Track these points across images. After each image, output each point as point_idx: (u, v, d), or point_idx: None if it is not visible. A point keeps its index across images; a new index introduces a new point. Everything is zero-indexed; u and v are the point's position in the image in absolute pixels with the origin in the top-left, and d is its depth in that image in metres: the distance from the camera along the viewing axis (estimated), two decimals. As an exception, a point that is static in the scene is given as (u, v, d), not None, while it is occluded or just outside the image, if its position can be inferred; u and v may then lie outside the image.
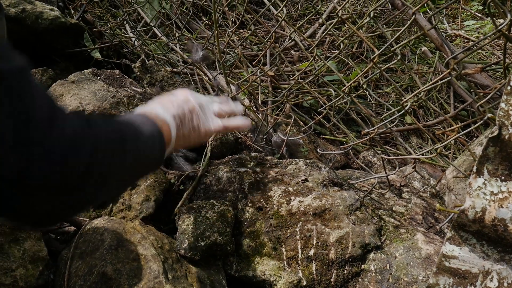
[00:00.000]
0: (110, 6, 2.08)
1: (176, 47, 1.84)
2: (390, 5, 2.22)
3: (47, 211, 0.57)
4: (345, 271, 0.96)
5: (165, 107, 0.90)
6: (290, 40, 1.31)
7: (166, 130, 0.85)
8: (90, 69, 1.36)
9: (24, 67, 0.52)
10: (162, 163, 0.83)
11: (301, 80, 1.34)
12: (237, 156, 1.24)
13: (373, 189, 1.10)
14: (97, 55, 1.66)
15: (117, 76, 1.36)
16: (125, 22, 1.89)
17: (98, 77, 1.33)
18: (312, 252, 0.96)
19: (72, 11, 1.82)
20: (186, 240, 0.99)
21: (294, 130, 1.43)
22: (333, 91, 1.32)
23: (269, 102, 1.56)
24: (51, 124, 0.52)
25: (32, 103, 0.51)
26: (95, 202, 0.70)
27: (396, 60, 0.90)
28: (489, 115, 0.74)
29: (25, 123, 0.49)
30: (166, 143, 0.83)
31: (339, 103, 1.16)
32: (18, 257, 0.92)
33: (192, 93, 0.96)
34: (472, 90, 1.73)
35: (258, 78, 1.52)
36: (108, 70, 1.38)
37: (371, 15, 0.94)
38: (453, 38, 2.32)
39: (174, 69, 1.71)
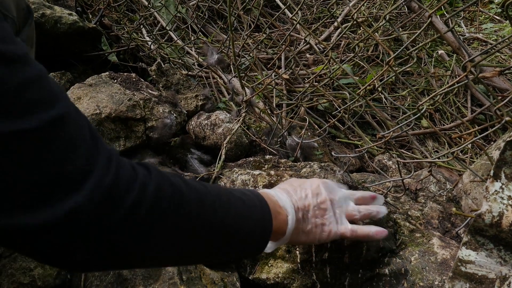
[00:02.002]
0: (127, 11, 2.11)
1: (192, 50, 1.85)
2: (406, 8, 2.21)
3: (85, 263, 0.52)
4: (360, 275, 0.95)
5: (290, 195, 0.80)
6: (305, 43, 1.31)
7: (282, 220, 0.75)
8: (107, 73, 1.38)
9: (62, 116, 0.48)
10: (258, 253, 0.75)
11: (316, 83, 1.34)
12: (251, 159, 1.24)
13: (388, 192, 1.09)
14: (114, 58, 1.68)
15: (134, 79, 1.38)
16: (141, 26, 1.91)
17: (115, 80, 1.35)
18: (326, 255, 0.96)
19: (90, 16, 1.85)
20: (201, 242, 0.99)
21: (309, 133, 1.43)
22: (348, 94, 1.32)
23: (284, 105, 1.56)
24: (82, 178, 0.48)
25: (64, 157, 0.48)
26: (146, 263, 0.61)
27: (412, 63, 0.89)
28: (507, 118, 0.73)
29: (51, 179, 0.46)
30: (271, 233, 0.72)
31: (354, 106, 1.16)
32: (36, 256, 0.94)
33: (327, 184, 0.85)
34: (489, 94, 1.71)
35: (273, 81, 1.52)
36: (125, 74, 1.40)
37: (387, 18, 0.94)
38: (471, 41, 2.29)
39: (189, 72, 1.73)
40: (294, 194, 0.81)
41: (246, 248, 0.71)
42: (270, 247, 0.80)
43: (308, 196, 0.81)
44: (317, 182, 0.84)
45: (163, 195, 0.55)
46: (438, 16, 1.91)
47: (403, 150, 1.52)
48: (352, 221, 0.86)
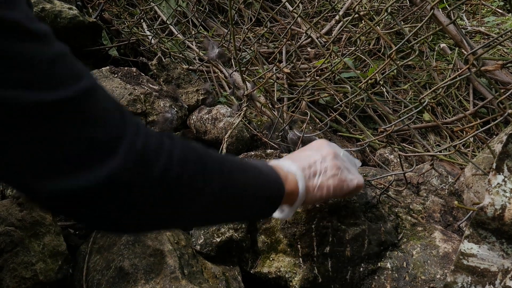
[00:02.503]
0: (127, 5, 2.10)
1: (192, 44, 1.85)
2: (408, 1, 2.19)
3: (124, 220, 0.56)
4: (361, 269, 0.95)
5: (293, 158, 0.84)
6: (306, 37, 1.31)
7: (291, 182, 0.78)
8: (107, 67, 1.37)
9: (92, 88, 0.52)
10: (270, 214, 0.78)
11: (317, 77, 1.33)
12: (252, 153, 1.24)
13: (390, 186, 1.09)
14: (114, 53, 1.68)
15: (134, 74, 1.38)
16: (142, 21, 1.90)
17: (116, 75, 1.34)
18: (328, 249, 0.96)
19: (90, 10, 1.84)
20: (202, 236, 0.99)
21: (310, 127, 1.42)
22: (349, 88, 1.31)
23: (285, 99, 1.56)
24: (116, 145, 0.51)
25: (98, 124, 0.51)
26: (173, 225, 0.68)
27: (413, 56, 0.89)
28: (510, 111, 0.73)
29: (88, 145, 0.50)
30: (285, 193, 0.75)
31: (355, 100, 1.15)
32: (38, 251, 0.94)
33: (328, 142, 0.90)
34: (492, 87, 1.70)
35: (274, 75, 1.51)
36: (125, 68, 1.40)
37: (389, 11, 0.93)
38: (473, 34, 2.28)
39: (190, 67, 1.72)
40: (296, 158, 0.84)
41: (263, 205, 0.74)
42: (287, 212, 0.83)
43: (311, 154, 0.84)
44: (317, 142, 0.89)
45: (188, 159, 0.59)
46: (440, 9, 1.90)
47: (404, 144, 1.52)
48: None
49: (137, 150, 0.52)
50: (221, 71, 1.69)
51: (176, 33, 1.81)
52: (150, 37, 1.79)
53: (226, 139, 1.26)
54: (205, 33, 1.98)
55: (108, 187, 0.50)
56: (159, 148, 0.56)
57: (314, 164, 0.83)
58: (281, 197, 0.75)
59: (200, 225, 0.78)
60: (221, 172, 0.65)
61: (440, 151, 1.26)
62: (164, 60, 1.55)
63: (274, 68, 1.32)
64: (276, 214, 0.83)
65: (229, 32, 1.35)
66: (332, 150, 0.85)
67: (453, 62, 1.87)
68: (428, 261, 0.92)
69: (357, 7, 0.96)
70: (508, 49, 2.01)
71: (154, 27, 1.81)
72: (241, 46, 1.59)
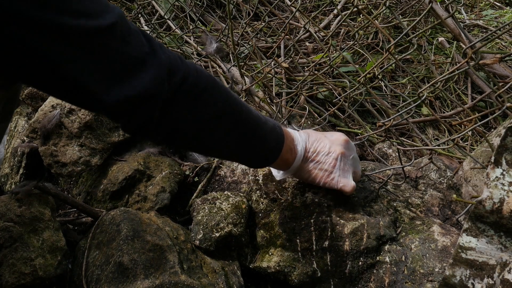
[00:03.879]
0: (124, 0, 2.09)
1: (190, 39, 1.84)
2: (406, -5, 2.18)
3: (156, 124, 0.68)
4: (360, 263, 0.95)
5: (308, 138, 0.93)
6: (304, 31, 1.30)
7: (291, 154, 0.89)
8: (105, 62, 1.37)
9: (123, 15, 0.64)
10: (271, 159, 0.88)
11: (316, 72, 1.33)
12: (251, 148, 1.24)
13: (389, 180, 1.09)
14: (112, 48, 1.67)
15: (132, 69, 1.37)
16: (139, 15, 1.89)
17: (114, 70, 1.34)
18: (326, 243, 0.96)
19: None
20: (201, 231, 1.00)
21: (309, 122, 1.42)
22: (348, 82, 1.31)
23: (284, 93, 1.55)
24: (148, 58, 0.65)
25: (133, 43, 0.64)
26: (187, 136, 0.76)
27: (412, 50, 0.89)
28: (508, 104, 0.73)
29: (131, 60, 0.63)
30: (280, 156, 0.86)
31: (354, 94, 1.15)
32: (37, 247, 0.94)
33: (347, 141, 0.96)
34: (490, 80, 1.70)
35: (273, 70, 1.51)
36: (123, 63, 1.39)
37: (387, 5, 0.93)
38: (471, 28, 2.27)
39: (188, 62, 1.71)
40: (311, 138, 0.93)
41: (262, 148, 0.84)
42: (280, 175, 0.97)
43: (323, 143, 0.93)
44: (338, 135, 0.96)
45: (202, 75, 0.72)
46: (438, 3, 1.90)
47: (403, 138, 1.52)
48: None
49: (164, 62, 0.66)
50: (219, 66, 1.68)
51: (174, 27, 1.80)
52: (148, 32, 1.78)
53: (224, 134, 1.26)
54: (203, 27, 1.97)
55: (150, 90, 0.63)
56: (178, 62, 0.69)
57: (319, 152, 0.92)
58: (280, 145, 0.85)
59: (203, 140, 0.81)
60: (229, 94, 0.77)
61: (438, 145, 1.26)
62: (162, 55, 1.54)
63: (273, 62, 1.32)
64: (274, 171, 0.99)
65: (227, 27, 1.34)
66: (342, 150, 0.93)
67: (451, 56, 1.86)
68: (427, 255, 0.92)
69: (355, 1, 0.95)
70: (506, 42, 2.01)
71: (152, 22, 1.81)
72: (239, 41, 1.58)
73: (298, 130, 0.96)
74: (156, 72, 0.64)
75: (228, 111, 0.76)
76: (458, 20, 2.15)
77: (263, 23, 1.55)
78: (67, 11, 0.56)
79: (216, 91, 0.74)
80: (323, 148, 0.92)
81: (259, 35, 1.95)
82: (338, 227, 0.96)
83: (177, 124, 0.71)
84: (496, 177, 0.70)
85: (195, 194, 1.15)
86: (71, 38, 0.57)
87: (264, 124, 0.83)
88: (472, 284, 0.74)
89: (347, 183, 0.94)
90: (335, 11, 2.07)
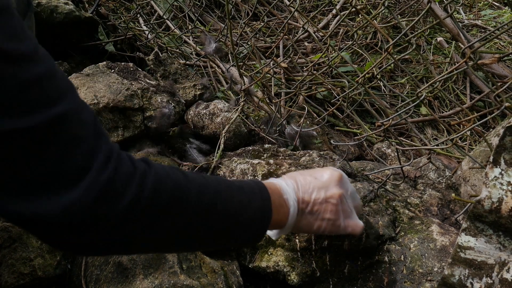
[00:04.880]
0: (123, 0, 2.09)
1: (189, 39, 1.84)
2: (405, -5, 2.19)
3: (86, 247, 0.56)
4: (359, 262, 0.95)
5: (296, 186, 0.80)
6: (303, 32, 1.30)
7: (283, 212, 0.76)
8: (104, 62, 1.37)
9: (65, 114, 0.51)
10: (258, 241, 0.77)
11: (315, 72, 1.33)
12: (250, 148, 1.24)
13: (388, 180, 1.09)
14: (111, 48, 1.67)
15: (131, 69, 1.37)
16: (138, 15, 1.89)
17: (113, 70, 1.34)
18: (326, 243, 0.96)
19: (86, 5, 1.83)
20: (200, 231, 1.00)
21: (308, 122, 1.42)
22: (347, 82, 1.31)
23: (282, 93, 1.56)
24: (79, 177, 0.51)
25: (64, 154, 0.50)
26: (143, 250, 0.68)
27: (410, 50, 0.89)
28: (506, 104, 0.73)
29: (51, 174, 0.50)
30: (270, 220, 0.73)
31: (353, 94, 1.15)
32: (36, 247, 0.94)
33: (341, 177, 0.83)
34: (489, 80, 1.70)
35: (271, 70, 1.51)
36: (122, 63, 1.40)
37: (386, 5, 0.93)
38: (470, 28, 2.28)
39: (187, 62, 1.72)
40: (301, 185, 0.80)
41: (246, 236, 0.72)
42: (274, 234, 0.83)
43: (318, 189, 0.80)
44: (330, 174, 0.83)
45: (162, 189, 0.57)
46: (437, 3, 1.90)
47: (402, 138, 1.52)
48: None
49: (101, 182, 0.51)
50: (218, 66, 1.68)
51: (173, 28, 1.80)
52: (146, 32, 1.79)
53: (223, 134, 1.26)
54: (202, 27, 1.97)
55: (64, 218, 0.50)
56: (130, 178, 0.54)
57: (315, 202, 0.79)
58: (266, 224, 0.73)
59: (174, 251, 0.77)
60: (200, 199, 0.62)
61: (437, 145, 1.26)
62: (161, 55, 1.55)
63: (272, 62, 1.32)
64: (269, 233, 0.84)
65: (226, 27, 1.35)
66: (340, 191, 0.81)
67: (450, 56, 1.87)
68: (426, 254, 0.92)
69: (354, 1, 0.96)
70: (505, 42, 2.02)
71: (151, 22, 1.81)
72: (238, 41, 1.59)
73: (281, 177, 0.84)
74: (75, 197, 0.50)
75: (202, 219, 0.63)
76: (457, 20, 2.16)
77: (262, 23, 1.55)
78: None
79: (184, 203, 0.60)
80: (318, 197, 0.79)
81: (258, 35, 1.96)
82: (337, 226, 0.96)
83: (136, 244, 0.59)
84: (495, 176, 0.70)
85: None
86: None
87: (247, 207, 0.70)
88: (471, 283, 0.74)
89: (355, 224, 0.83)
90: (334, 11, 2.08)
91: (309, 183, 0.80)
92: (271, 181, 0.79)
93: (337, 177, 0.82)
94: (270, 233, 0.84)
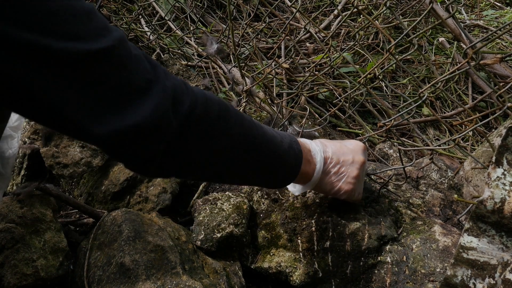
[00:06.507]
0: (125, 1, 2.10)
1: (191, 40, 1.84)
2: (406, -5, 2.19)
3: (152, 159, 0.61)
4: (361, 263, 0.95)
5: (323, 146, 0.87)
6: (305, 32, 1.30)
7: (310, 167, 0.83)
8: (106, 63, 1.37)
9: (122, 39, 0.57)
10: (290, 179, 0.83)
11: (316, 72, 1.33)
12: (252, 149, 1.24)
13: (390, 181, 1.09)
14: (113, 49, 1.67)
15: (133, 70, 1.37)
16: (140, 17, 1.90)
17: (115, 71, 1.34)
18: (328, 243, 0.96)
19: (88, 6, 1.83)
20: (202, 232, 1.00)
21: (309, 123, 1.42)
22: (348, 83, 1.31)
23: (284, 94, 1.56)
24: (151, 86, 0.58)
25: (134, 69, 0.57)
26: (198, 171, 0.71)
27: (412, 51, 0.89)
28: (509, 104, 0.73)
29: (129, 87, 0.56)
30: (299, 174, 0.80)
31: (354, 94, 1.15)
32: (39, 248, 0.94)
33: (366, 148, 0.92)
34: (491, 80, 1.70)
35: (273, 71, 1.51)
36: (124, 64, 1.39)
37: (387, 5, 0.93)
38: (472, 28, 2.27)
39: (189, 63, 1.72)
40: (331, 148, 0.87)
41: (277, 174, 0.79)
42: (297, 189, 0.91)
43: (346, 153, 0.87)
44: (355, 143, 0.91)
45: (210, 105, 0.65)
46: (438, 3, 1.90)
47: (404, 138, 1.52)
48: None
49: (168, 90, 0.59)
50: (220, 67, 1.69)
51: (175, 29, 1.81)
52: (148, 33, 1.79)
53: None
54: (204, 28, 1.97)
55: (152, 121, 0.56)
56: (185, 90, 0.62)
57: (342, 163, 0.86)
58: (299, 163, 0.80)
59: (218, 170, 0.76)
60: (241, 121, 0.70)
61: (439, 145, 1.26)
62: (162, 56, 1.55)
63: (273, 63, 1.32)
64: (290, 187, 0.92)
65: (227, 28, 1.35)
66: (364, 159, 0.89)
67: (452, 56, 1.87)
68: (428, 255, 0.92)
69: (355, 1, 0.95)
70: (507, 42, 2.01)
71: (153, 23, 1.81)
72: (240, 42, 1.59)
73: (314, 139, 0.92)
74: (158, 101, 0.57)
75: (243, 138, 0.70)
76: (459, 20, 2.15)
77: (264, 24, 1.55)
78: (52, 32, 0.49)
79: (229, 118, 0.68)
80: (346, 158, 0.87)
81: (259, 35, 1.96)
82: (339, 227, 0.96)
83: (189, 158, 0.65)
84: (497, 177, 0.70)
85: (196, 195, 1.15)
86: (53, 63, 0.50)
87: (280, 143, 0.77)
88: (474, 284, 0.74)
89: (361, 193, 0.93)
90: (336, 12, 2.08)
91: (338, 148, 0.88)
92: (301, 140, 0.85)
93: (363, 147, 0.91)
94: (293, 189, 0.91)
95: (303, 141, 0.85)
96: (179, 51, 1.78)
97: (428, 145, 1.36)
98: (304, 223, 0.99)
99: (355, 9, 0.97)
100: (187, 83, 0.65)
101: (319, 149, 0.85)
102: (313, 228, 0.98)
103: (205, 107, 0.64)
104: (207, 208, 1.03)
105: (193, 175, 0.74)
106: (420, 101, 0.87)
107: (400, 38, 0.89)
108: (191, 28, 1.82)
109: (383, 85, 1.73)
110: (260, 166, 0.75)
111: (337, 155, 0.87)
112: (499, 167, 0.70)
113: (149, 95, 0.57)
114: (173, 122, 0.59)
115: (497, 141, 1.00)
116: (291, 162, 0.79)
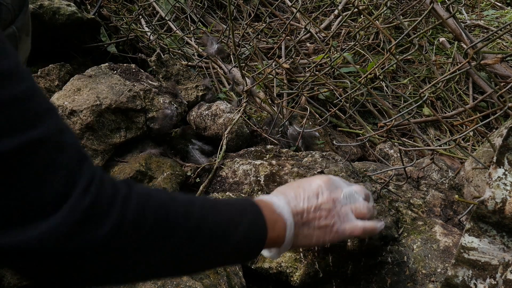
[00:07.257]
0: (125, 1, 2.10)
1: (191, 40, 1.84)
2: (407, -5, 2.19)
3: (57, 281, 0.52)
4: (362, 263, 0.95)
5: (288, 198, 0.76)
6: (305, 32, 1.30)
7: (279, 227, 0.72)
8: (106, 64, 1.37)
9: (45, 135, 0.47)
10: (253, 258, 0.77)
11: (317, 72, 1.33)
12: (252, 149, 1.24)
13: (390, 181, 1.09)
14: (113, 49, 1.67)
15: (133, 70, 1.37)
16: (140, 17, 1.90)
17: (115, 71, 1.34)
18: (328, 244, 0.96)
19: (89, 7, 1.84)
20: (203, 232, 0.99)
21: (310, 123, 1.42)
22: (349, 83, 1.31)
23: (285, 94, 1.56)
24: (59, 203, 0.47)
25: (44, 180, 0.47)
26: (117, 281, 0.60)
27: (413, 51, 0.88)
28: (510, 104, 0.73)
29: (32, 203, 0.46)
30: (267, 240, 0.69)
31: (355, 94, 1.15)
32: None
33: (329, 181, 0.80)
34: (492, 80, 1.70)
35: (274, 71, 1.51)
36: (124, 64, 1.40)
37: (388, 5, 0.93)
38: (472, 28, 2.27)
39: (189, 63, 1.72)
40: (292, 198, 0.77)
41: (240, 254, 0.69)
42: (274, 254, 0.79)
43: (308, 198, 0.77)
44: (317, 182, 0.80)
45: (146, 210, 0.54)
46: (439, 3, 1.90)
47: (404, 139, 1.52)
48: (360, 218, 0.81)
49: (81, 208, 0.48)
50: (220, 67, 1.69)
51: (175, 29, 1.81)
52: (148, 34, 1.79)
53: (226, 135, 1.26)
54: (204, 29, 1.97)
55: (42, 246, 0.46)
56: (112, 201, 0.51)
57: (309, 209, 0.76)
58: (263, 240, 0.69)
59: (165, 277, 0.71)
60: (187, 219, 0.59)
61: (440, 145, 1.26)
62: (163, 56, 1.55)
63: (274, 63, 1.32)
64: (265, 253, 0.79)
65: (228, 28, 1.35)
66: (330, 195, 0.78)
67: (452, 56, 1.86)
68: (429, 255, 0.92)
69: (356, 1, 0.95)
70: (507, 42, 2.01)
71: (153, 23, 1.81)
72: (240, 42, 1.59)
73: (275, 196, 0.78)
74: (55, 224, 0.46)
75: (190, 237, 0.59)
76: (459, 20, 2.15)
77: (264, 24, 1.55)
78: None
79: (169, 225, 0.57)
80: (310, 205, 0.76)
81: (260, 36, 1.96)
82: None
83: (111, 274, 0.55)
84: (498, 177, 0.70)
85: (196, 195, 1.15)
86: None
87: (239, 223, 0.66)
88: (475, 284, 0.74)
89: (353, 226, 0.78)
90: (336, 12, 2.08)
91: (299, 194, 0.77)
92: (260, 198, 0.75)
93: (326, 182, 0.79)
94: (269, 254, 0.79)
95: (261, 199, 0.75)
96: (180, 51, 1.78)
97: (429, 145, 1.36)
98: (305, 223, 0.99)
99: (356, 9, 0.97)
100: (125, 182, 0.56)
101: (283, 203, 0.75)
102: (314, 229, 0.98)
103: (138, 218, 0.53)
104: (208, 208, 1.03)
105: (134, 282, 0.67)
106: (420, 101, 0.87)
107: (400, 38, 0.89)
108: (192, 28, 1.82)
109: (384, 85, 1.73)
110: (219, 257, 0.66)
111: (300, 204, 0.76)
112: (500, 167, 0.70)
113: (49, 217, 0.47)
114: (85, 242, 0.49)
115: (498, 141, 1.00)
116: (255, 238, 0.69)
